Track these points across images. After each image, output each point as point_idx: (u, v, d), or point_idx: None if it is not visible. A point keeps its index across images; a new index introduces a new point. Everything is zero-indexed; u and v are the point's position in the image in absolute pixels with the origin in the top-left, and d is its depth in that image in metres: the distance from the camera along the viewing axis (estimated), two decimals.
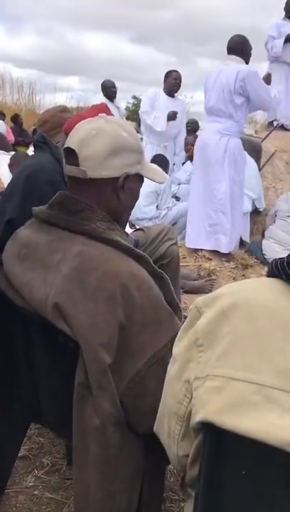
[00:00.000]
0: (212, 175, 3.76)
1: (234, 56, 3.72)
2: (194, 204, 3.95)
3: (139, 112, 5.24)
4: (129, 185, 1.20)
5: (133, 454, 1.10)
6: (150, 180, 1.29)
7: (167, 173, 4.80)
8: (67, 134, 1.35)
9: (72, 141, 1.16)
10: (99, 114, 1.21)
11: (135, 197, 1.27)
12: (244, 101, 3.66)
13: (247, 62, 3.76)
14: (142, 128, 5.38)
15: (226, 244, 3.82)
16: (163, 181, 1.36)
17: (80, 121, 1.24)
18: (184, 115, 5.57)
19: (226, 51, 3.79)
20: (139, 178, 1.25)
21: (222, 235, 3.81)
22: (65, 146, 1.18)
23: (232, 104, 3.63)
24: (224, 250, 3.83)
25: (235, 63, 3.68)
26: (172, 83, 5.16)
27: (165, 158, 4.92)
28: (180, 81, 5.24)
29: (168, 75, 5.19)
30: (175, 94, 5.38)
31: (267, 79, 4.02)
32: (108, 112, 1.83)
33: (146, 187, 4.36)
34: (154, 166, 1.35)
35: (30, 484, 1.65)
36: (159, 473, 1.23)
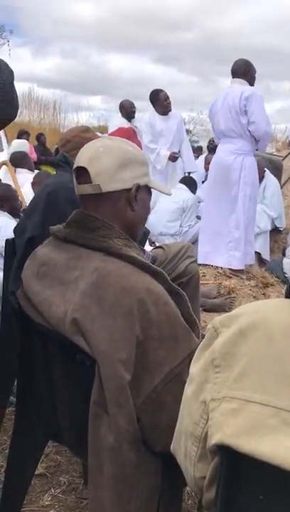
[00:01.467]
0: (227, 193, 3.80)
1: (238, 79, 3.79)
2: (208, 221, 3.99)
3: (143, 142, 5.24)
4: (140, 196, 1.23)
5: (149, 473, 1.08)
6: (159, 191, 1.34)
7: (194, 193, 4.85)
8: None
9: (81, 160, 1.20)
10: (101, 134, 1.27)
11: (147, 208, 1.30)
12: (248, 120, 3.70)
13: (252, 85, 3.82)
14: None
15: (239, 261, 3.82)
16: (170, 193, 1.41)
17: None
18: (183, 126, 5.57)
19: (231, 75, 3.86)
20: (148, 190, 1.29)
21: (235, 252, 3.82)
22: (75, 166, 1.22)
23: (241, 125, 3.68)
24: (237, 267, 3.82)
25: (239, 85, 3.75)
26: (164, 105, 5.17)
27: (193, 179, 4.99)
28: (169, 98, 5.25)
29: (155, 97, 5.19)
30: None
31: None
32: (133, 136, 1.86)
33: (173, 203, 4.43)
34: (157, 181, 1.38)
35: (47, 503, 1.64)
36: (176, 494, 1.21)
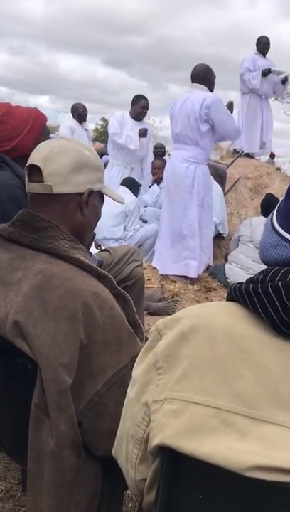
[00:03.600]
0: (181, 202, 3.82)
1: (198, 84, 3.80)
2: (163, 230, 4.00)
3: (109, 133, 5.27)
4: (92, 201, 1.22)
5: (90, 479, 1.07)
6: (111, 199, 1.32)
7: (136, 195, 4.84)
8: None
9: (36, 158, 1.17)
10: (55, 135, 1.25)
11: (98, 214, 1.29)
12: (209, 128, 3.72)
13: (211, 91, 3.85)
14: (109, 149, 5.40)
15: (195, 269, 3.86)
16: (122, 202, 1.40)
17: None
18: (150, 139, 5.64)
19: (190, 79, 3.88)
20: (100, 197, 1.28)
21: (191, 261, 3.85)
22: (28, 163, 1.19)
23: (199, 132, 3.70)
24: (192, 275, 3.87)
25: (200, 91, 3.76)
26: (139, 111, 5.21)
27: (135, 181, 4.96)
28: (148, 109, 5.31)
29: (136, 101, 5.23)
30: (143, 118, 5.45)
31: (229, 107, 4.14)
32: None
33: (115, 207, 4.39)
34: (111, 187, 1.39)
35: None
36: (117, 498, 1.20)
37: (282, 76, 6.14)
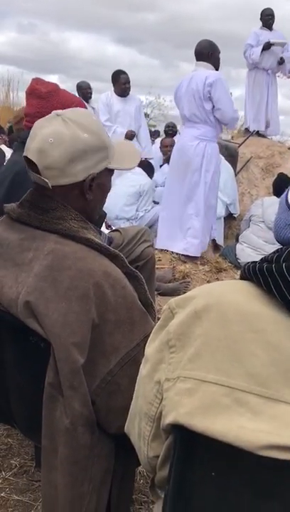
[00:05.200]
0: (188, 179, 3.80)
1: (202, 62, 3.76)
2: (168, 206, 3.99)
3: (101, 120, 5.24)
4: (98, 182, 1.17)
5: (103, 456, 1.09)
6: (120, 169, 1.26)
7: (151, 177, 4.84)
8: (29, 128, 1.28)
9: (30, 150, 1.11)
10: (54, 112, 1.15)
11: (106, 189, 1.23)
12: (213, 107, 3.71)
13: (217, 67, 3.80)
14: None
15: (196, 247, 3.86)
16: (132, 166, 1.31)
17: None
18: (141, 110, 5.60)
19: (195, 57, 3.83)
20: (108, 171, 1.21)
21: (193, 239, 3.85)
22: (24, 154, 1.13)
23: (204, 110, 3.69)
24: (193, 254, 3.86)
25: (204, 69, 3.72)
26: (122, 88, 5.22)
27: (150, 163, 4.97)
28: (130, 82, 5.30)
29: (116, 78, 5.23)
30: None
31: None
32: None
33: (130, 187, 4.40)
34: (125, 147, 1.29)
35: None
36: (129, 475, 1.22)
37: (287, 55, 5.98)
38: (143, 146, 5.44)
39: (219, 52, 3.82)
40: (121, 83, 5.21)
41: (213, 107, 3.67)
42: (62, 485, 1.04)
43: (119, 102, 5.24)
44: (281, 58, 6.04)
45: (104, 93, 5.38)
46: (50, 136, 1.09)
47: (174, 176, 3.95)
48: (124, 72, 5.26)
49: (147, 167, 4.83)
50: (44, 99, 1.83)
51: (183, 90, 3.76)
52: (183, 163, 3.82)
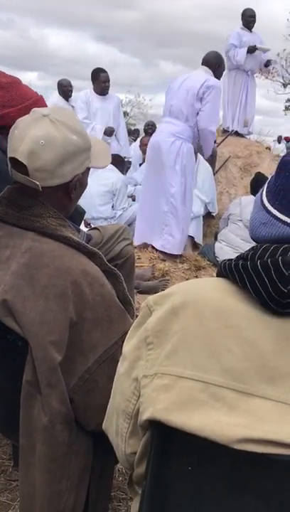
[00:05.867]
0: (164, 176, 3.82)
1: (206, 68, 3.81)
2: (145, 203, 4.00)
3: (79, 117, 5.21)
4: (80, 181, 1.19)
5: (81, 453, 1.09)
6: (96, 168, 1.26)
7: (123, 172, 4.79)
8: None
9: (20, 152, 1.09)
10: (39, 111, 1.14)
11: (84, 187, 1.24)
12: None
13: (217, 79, 3.85)
14: None
15: (173, 245, 3.88)
16: (106, 164, 1.32)
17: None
18: (120, 109, 5.60)
19: (201, 62, 3.89)
20: (88, 169, 1.23)
21: (169, 237, 3.87)
22: (12, 155, 1.11)
23: (192, 108, 3.70)
24: (171, 251, 3.89)
25: (205, 73, 3.78)
26: (102, 86, 5.19)
27: (120, 156, 4.90)
28: (109, 81, 5.28)
29: (96, 76, 5.19)
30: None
31: None
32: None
33: (102, 186, 4.33)
34: (99, 146, 1.28)
35: None
36: (107, 472, 1.23)
37: (265, 58, 6.08)
38: (121, 144, 5.43)
39: (224, 69, 3.93)
40: (100, 81, 5.18)
41: (200, 108, 3.70)
42: (40, 482, 1.04)
43: (98, 100, 5.21)
44: (268, 61, 6.13)
45: (83, 91, 5.35)
46: (41, 138, 1.08)
47: (149, 173, 3.96)
48: (103, 71, 5.23)
49: (119, 163, 4.71)
50: (3, 88, 1.82)
51: (178, 84, 3.77)
52: (157, 160, 3.83)
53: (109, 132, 5.13)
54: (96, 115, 5.19)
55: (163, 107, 4.01)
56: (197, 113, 3.69)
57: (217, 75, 3.84)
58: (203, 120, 3.71)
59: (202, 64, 3.85)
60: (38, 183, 1.08)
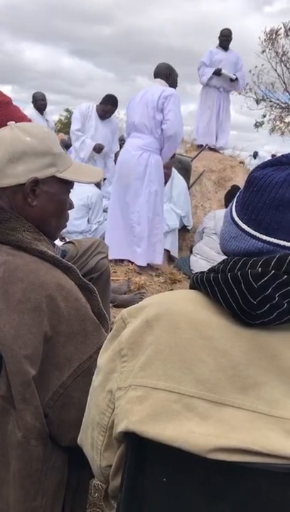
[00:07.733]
0: (131, 188, 3.88)
1: (160, 80, 3.93)
2: (113, 216, 4.04)
3: (71, 128, 5.21)
4: (43, 189, 1.16)
5: (56, 468, 1.08)
6: (75, 181, 1.24)
7: (99, 187, 4.80)
8: None
9: None
10: (8, 123, 1.18)
11: (57, 201, 1.21)
12: (163, 118, 3.82)
13: (174, 87, 3.95)
14: (72, 141, 5.36)
15: (141, 256, 3.91)
16: (94, 181, 1.32)
17: None
18: (116, 133, 5.62)
19: (153, 75, 3.99)
20: (59, 181, 1.20)
21: (137, 248, 3.90)
22: None
23: (154, 121, 3.79)
24: (139, 263, 3.91)
25: (161, 85, 3.88)
26: (104, 113, 5.17)
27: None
28: (112, 113, 5.29)
29: (106, 102, 5.17)
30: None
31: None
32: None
33: (77, 199, 4.32)
34: (85, 167, 1.30)
35: None
36: (82, 488, 1.21)
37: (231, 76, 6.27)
38: (109, 166, 5.43)
39: (177, 76, 4.01)
40: (105, 110, 5.14)
41: (163, 118, 3.78)
42: (14, 499, 1.02)
43: (96, 122, 5.16)
44: (235, 76, 6.29)
45: (85, 103, 5.28)
46: None
47: (118, 185, 4.01)
48: (114, 104, 5.19)
49: None
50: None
51: (137, 100, 3.87)
52: (126, 172, 3.90)
53: (98, 149, 5.12)
54: (89, 131, 5.14)
55: (126, 123, 4.09)
56: (161, 123, 3.78)
57: (171, 83, 3.95)
58: (171, 128, 3.81)
59: (155, 77, 3.98)
60: None
